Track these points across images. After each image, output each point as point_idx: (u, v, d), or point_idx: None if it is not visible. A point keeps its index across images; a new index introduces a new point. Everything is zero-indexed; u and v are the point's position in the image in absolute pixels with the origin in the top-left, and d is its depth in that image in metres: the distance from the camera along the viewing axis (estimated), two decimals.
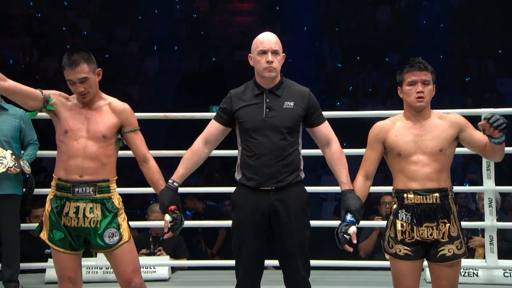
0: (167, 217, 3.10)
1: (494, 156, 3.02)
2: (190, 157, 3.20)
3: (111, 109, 3.17)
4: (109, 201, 3.15)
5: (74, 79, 3.10)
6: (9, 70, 10.41)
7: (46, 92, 3.20)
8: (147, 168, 3.23)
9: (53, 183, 3.16)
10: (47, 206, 3.16)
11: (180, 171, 3.17)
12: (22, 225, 4.60)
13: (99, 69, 3.18)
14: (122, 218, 3.17)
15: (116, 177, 3.21)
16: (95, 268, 4.79)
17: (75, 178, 3.09)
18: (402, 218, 3.01)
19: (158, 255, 5.17)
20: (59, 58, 11.79)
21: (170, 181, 3.16)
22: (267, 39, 3.14)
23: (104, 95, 3.24)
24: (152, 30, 12.16)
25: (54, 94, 3.20)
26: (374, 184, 3.23)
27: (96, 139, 3.11)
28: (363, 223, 4.09)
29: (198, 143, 3.21)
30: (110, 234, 3.12)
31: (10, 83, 3.15)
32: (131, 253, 3.18)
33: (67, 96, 3.23)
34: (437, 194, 2.97)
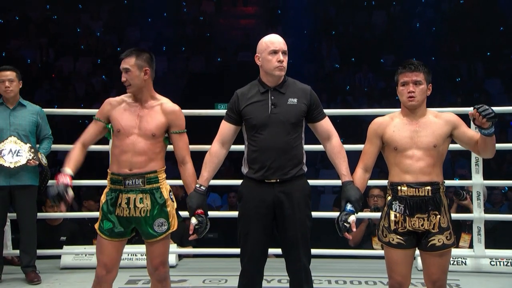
0: (193, 220, 3.12)
1: (486, 150, 3.00)
2: (211, 159, 3.21)
3: (162, 110, 3.20)
4: (158, 191, 3.17)
5: (121, 68, 3.19)
6: (27, 69, 10.46)
7: (100, 115, 3.25)
8: (184, 170, 3.26)
9: (108, 177, 3.21)
10: (102, 198, 3.20)
11: (205, 175, 3.19)
12: (38, 214, 4.62)
13: (146, 68, 3.19)
14: (170, 208, 3.20)
15: (165, 167, 3.23)
16: None
17: (125, 172, 3.12)
18: (396, 209, 3.02)
19: None
20: (74, 58, 11.83)
21: (197, 185, 3.18)
22: (278, 40, 3.16)
23: (158, 96, 3.27)
24: (161, 32, 12.16)
25: (105, 111, 3.24)
26: (370, 178, 3.24)
27: (145, 137, 3.14)
28: None
29: (215, 146, 3.23)
30: (159, 223, 3.16)
31: (83, 148, 3.25)
32: (168, 243, 3.24)
33: (120, 98, 3.27)
34: (429, 187, 2.97)
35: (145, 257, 4.62)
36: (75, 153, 3.21)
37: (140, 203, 3.14)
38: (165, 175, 3.24)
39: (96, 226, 3.19)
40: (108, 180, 3.21)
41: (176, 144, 3.24)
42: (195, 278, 4.52)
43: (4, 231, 4.48)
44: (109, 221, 3.15)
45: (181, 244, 5.24)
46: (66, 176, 3.09)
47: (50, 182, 4.36)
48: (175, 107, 3.24)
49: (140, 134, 3.14)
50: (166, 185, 3.23)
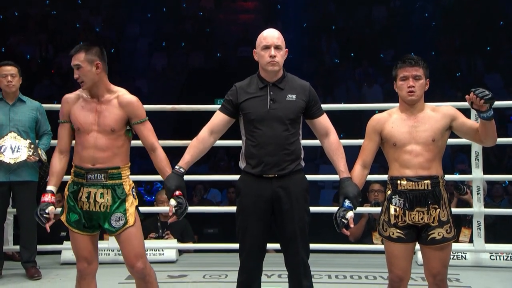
0: (172, 202, 3.06)
1: (487, 137, 2.98)
2: (196, 145, 3.18)
3: (118, 103, 3.15)
4: (120, 187, 3.13)
5: (72, 65, 3.13)
6: (26, 65, 10.44)
7: (63, 117, 3.21)
8: (155, 156, 3.20)
9: (72, 170, 3.18)
10: (66, 190, 3.18)
11: (187, 158, 3.15)
12: None
13: (98, 62, 3.12)
14: (129, 203, 3.15)
15: (129, 164, 3.20)
16: (107, 250, 4.82)
17: (88, 166, 3.10)
18: (396, 203, 3.02)
19: (166, 238, 5.18)
20: None
21: (176, 167, 3.14)
22: (270, 35, 3.14)
23: (114, 88, 3.20)
24: (161, 28, 12.14)
25: (65, 111, 3.19)
26: (370, 173, 3.24)
27: (105, 132, 3.10)
28: None
29: (204, 132, 3.20)
30: (116, 218, 3.11)
31: (61, 156, 3.22)
32: (136, 238, 3.13)
33: (76, 94, 3.21)
34: (428, 181, 2.97)
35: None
36: (55, 165, 3.18)
37: (100, 198, 3.10)
38: (129, 172, 3.19)
39: (63, 218, 3.15)
40: (72, 172, 3.18)
41: (141, 133, 3.18)
42: (196, 273, 4.53)
43: (3, 227, 4.48)
44: (75, 213, 3.11)
45: (181, 240, 5.25)
46: (46, 195, 3.10)
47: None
48: (132, 98, 3.17)
49: (100, 131, 3.09)
50: (129, 181, 3.18)
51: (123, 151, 3.16)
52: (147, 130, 3.20)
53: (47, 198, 3.09)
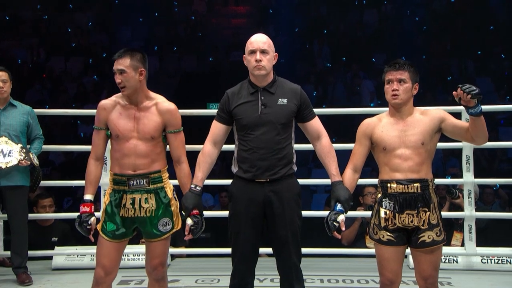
0: (189, 221, 3.11)
1: (478, 134, 2.99)
2: (204, 160, 3.20)
3: (157, 110, 3.16)
4: (162, 190, 3.16)
5: (114, 69, 3.13)
6: (18, 69, 10.40)
7: (99, 123, 3.19)
8: (179, 169, 3.23)
9: (110, 178, 3.18)
10: (106, 199, 3.18)
11: (199, 175, 3.18)
12: (30, 215, 4.60)
13: (142, 69, 3.14)
14: (174, 207, 3.20)
15: (167, 167, 3.22)
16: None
17: (129, 173, 3.11)
18: (386, 206, 3.04)
19: None
20: (65, 58, 11.75)
21: (192, 185, 3.16)
22: (256, 40, 3.15)
23: (152, 94, 3.22)
24: (153, 32, 12.13)
25: (102, 117, 3.17)
26: (361, 177, 3.25)
27: (145, 140, 3.11)
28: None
29: (207, 146, 3.22)
30: (164, 222, 3.15)
31: (97, 163, 3.21)
32: (166, 244, 3.22)
33: (112, 100, 3.20)
34: (418, 184, 2.99)
35: (138, 257, 4.70)
36: (92, 173, 3.17)
37: (145, 203, 3.12)
38: (168, 174, 3.22)
39: (99, 227, 3.15)
40: (110, 181, 3.18)
41: (172, 143, 3.21)
42: (188, 278, 4.52)
43: None
44: (113, 223, 3.13)
45: (173, 244, 5.23)
46: (83, 206, 3.10)
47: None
48: (171, 105, 3.20)
49: (139, 138, 3.11)
50: (169, 184, 3.22)
51: (162, 156, 3.19)
52: (179, 141, 3.22)
53: (87, 208, 3.10)
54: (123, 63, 3.11)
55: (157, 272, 3.19)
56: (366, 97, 10.32)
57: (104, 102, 3.20)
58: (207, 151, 3.21)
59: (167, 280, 3.29)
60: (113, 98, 3.22)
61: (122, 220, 3.14)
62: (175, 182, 3.27)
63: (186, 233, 3.12)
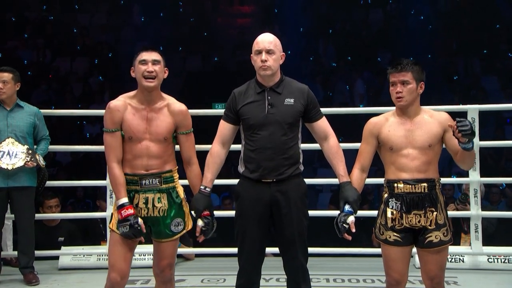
0: (200, 222, 3.12)
1: (462, 163, 3.01)
2: (213, 161, 3.20)
3: (169, 111, 3.16)
4: (174, 190, 3.17)
5: (145, 59, 3.12)
6: (24, 70, 10.42)
7: (114, 125, 3.11)
8: (190, 170, 3.24)
9: None
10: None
11: (209, 176, 3.18)
12: (36, 215, 4.62)
13: (166, 68, 3.19)
14: (186, 207, 3.21)
15: (177, 167, 3.22)
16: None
17: (141, 172, 3.10)
18: (392, 206, 3.03)
19: None
20: (71, 58, 11.76)
21: (201, 187, 3.17)
22: (262, 40, 3.15)
23: (164, 95, 3.22)
24: (158, 32, 12.14)
25: (117, 119, 3.11)
26: (367, 177, 3.24)
27: (157, 141, 3.10)
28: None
29: (216, 146, 3.22)
30: (176, 223, 3.16)
31: (120, 165, 3.11)
32: (175, 246, 3.22)
33: (122, 101, 3.15)
34: (425, 184, 2.98)
35: (144, 257, 4.71)
36: (119, 177, 3.07)
37: (158, 202, 3.12)
38: (178, 175, 3.22)
39: (113, 226, 3.10)
40: None
41: (183, 144, 3.21)
42: (194, 277, 4.53)
43: (1, 232, 4.48)
44: None
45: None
46: (126, 209, 3.02)
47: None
48: (182, 106, 3.21)
49: (152, 139, 3.10)
50: (179, 184, 3.22)
51: (172, 157, 3.20)
52: (189, 142, 3.23)
53: (130, 210, 3.02)
54: (157, 56, 3.14)
55: (164, 274, 3.19)
56: (356, 98, 10.36)
57: (116, 103, 3.14)
58: (216, 151, 3.21)
59: (174, 281, 3.29)
60: (121, 98, 3.18)
61: None
62: (183, 182, 3.27)
63: (197, 234, 3.12)
